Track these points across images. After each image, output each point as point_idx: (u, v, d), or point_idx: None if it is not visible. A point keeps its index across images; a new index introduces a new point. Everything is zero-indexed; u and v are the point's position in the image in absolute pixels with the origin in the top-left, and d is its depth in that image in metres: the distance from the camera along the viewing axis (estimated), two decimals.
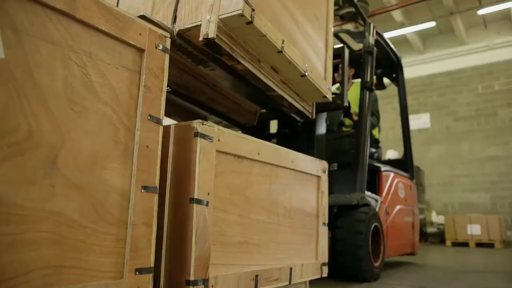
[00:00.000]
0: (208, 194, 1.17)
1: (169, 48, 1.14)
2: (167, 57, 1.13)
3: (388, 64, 4.10)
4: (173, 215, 1.16)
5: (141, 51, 1.06)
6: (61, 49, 0.87)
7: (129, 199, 0.98)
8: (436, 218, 8.42)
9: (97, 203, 0.91)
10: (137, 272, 0.96)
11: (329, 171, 2.53)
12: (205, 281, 1.13)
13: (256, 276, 1.35)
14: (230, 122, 2.76)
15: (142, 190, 1.00)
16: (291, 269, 1.55)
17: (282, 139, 3.00)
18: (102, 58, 0.96)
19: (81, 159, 0.89)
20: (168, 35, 1.15)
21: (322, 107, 2.41)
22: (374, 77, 3.43)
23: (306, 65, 1.85)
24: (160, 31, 1.12)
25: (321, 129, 2.73)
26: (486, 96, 9.28)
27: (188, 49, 1.59)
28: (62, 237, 0.84)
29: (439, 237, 7.82)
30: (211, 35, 1.36)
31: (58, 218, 0.84)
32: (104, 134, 0.94)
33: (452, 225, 7.20)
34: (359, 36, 3.47)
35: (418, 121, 9.72)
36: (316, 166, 1.83)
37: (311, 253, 1.76)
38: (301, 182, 1.72)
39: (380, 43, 3.60)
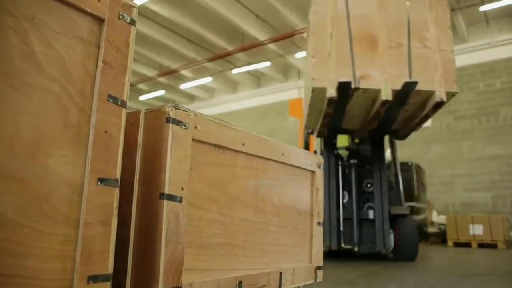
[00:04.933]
0: (182, 188, 1.02)
1: (136, 20, 0.99)
2: (133, 30, 0.98)
3: None
4: (141, 213, 1.01)
5: (100, 20, 0.90)
6: None
7: (81, 193, 0.82)
8: (437, 218, 8.25)
9: (40, 198, 0.76)
10: (91, 281, 0.81)
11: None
12: None
13: (240, 282, 1.19)
14: (344, 132, 4.60)
15: (98, 183, 0.85)
16: (281, 273, 1.40)
17: (357, 166, 4.40)
18: (49, 26, 0.81)
19: (18, 144, 0.73)
20: (135, 5, 0.99)
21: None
22: None
23: None
24: (125, 0, 0.97)
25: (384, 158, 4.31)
26: (488, 95, 9.11)
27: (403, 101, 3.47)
28: None
29: (441, 237, 7.65)
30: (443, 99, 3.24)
31: None
32: (49, 115, 0.79)
33: (454, 225, 7.02)
34: None
35: None
36: (310, 160, 1.68)
37: (304, 256, 1.61)
38: (293, 177, 1.57)
39: None
